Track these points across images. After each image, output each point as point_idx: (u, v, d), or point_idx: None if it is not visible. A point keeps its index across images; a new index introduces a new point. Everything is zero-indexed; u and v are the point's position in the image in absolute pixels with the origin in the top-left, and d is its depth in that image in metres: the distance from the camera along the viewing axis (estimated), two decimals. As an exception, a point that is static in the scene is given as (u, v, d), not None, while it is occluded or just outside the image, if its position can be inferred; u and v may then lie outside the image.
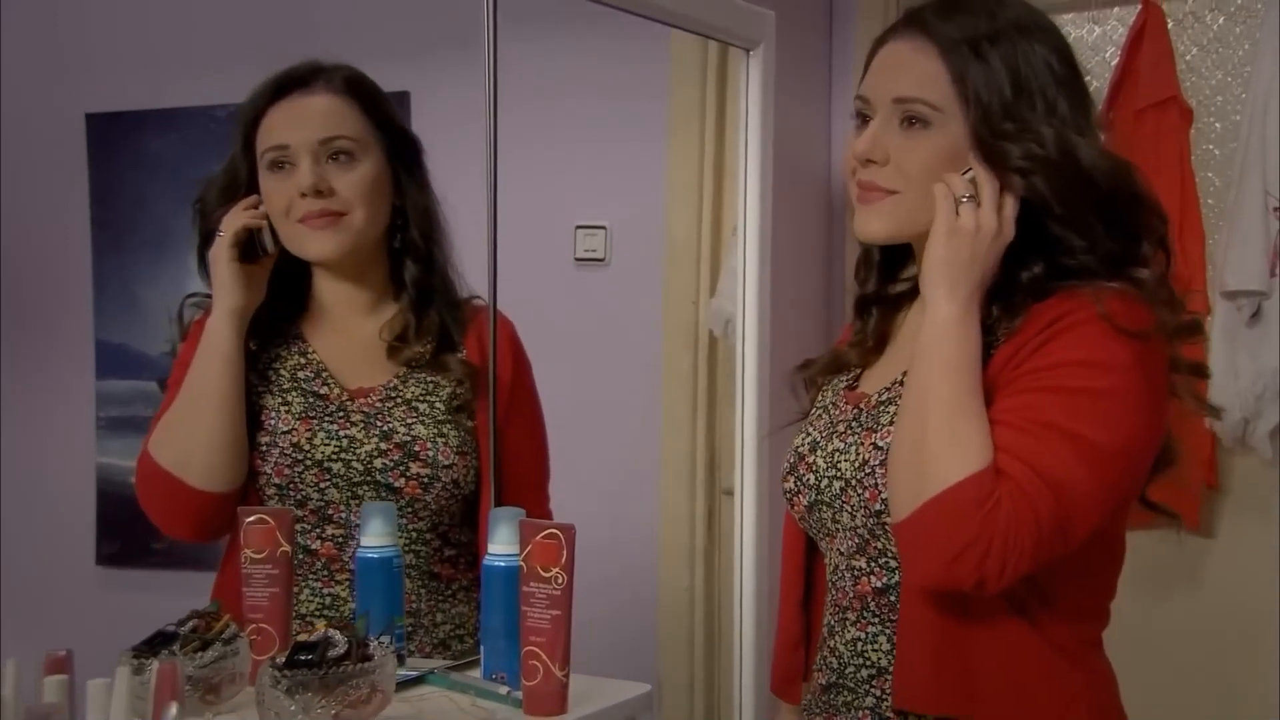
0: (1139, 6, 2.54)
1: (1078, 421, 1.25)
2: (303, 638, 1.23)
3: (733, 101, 2.73)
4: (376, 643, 1.24)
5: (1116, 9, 2.62)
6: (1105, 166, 1.32)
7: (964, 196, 1.31)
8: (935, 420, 1.26)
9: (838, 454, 1.41)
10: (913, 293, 1.51)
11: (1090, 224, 1.32)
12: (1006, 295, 1.34)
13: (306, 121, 1.66)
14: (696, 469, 2.75)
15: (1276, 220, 2.41)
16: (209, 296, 1.68)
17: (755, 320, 1.89)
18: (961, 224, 1.31)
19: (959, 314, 1.29)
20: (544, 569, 1.32)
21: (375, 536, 1.47)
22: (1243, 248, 2.39)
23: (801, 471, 1.45)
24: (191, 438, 1.61)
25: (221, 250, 1.62)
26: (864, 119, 1.39)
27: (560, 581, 1.32)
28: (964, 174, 1.33)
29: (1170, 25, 2.55)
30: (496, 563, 1.40)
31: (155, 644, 1.27)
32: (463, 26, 2.25)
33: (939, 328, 1.30)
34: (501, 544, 1.40)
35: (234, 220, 1.64)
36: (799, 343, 1.98)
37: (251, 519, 1.45)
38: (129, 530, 2.23)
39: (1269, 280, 2.41)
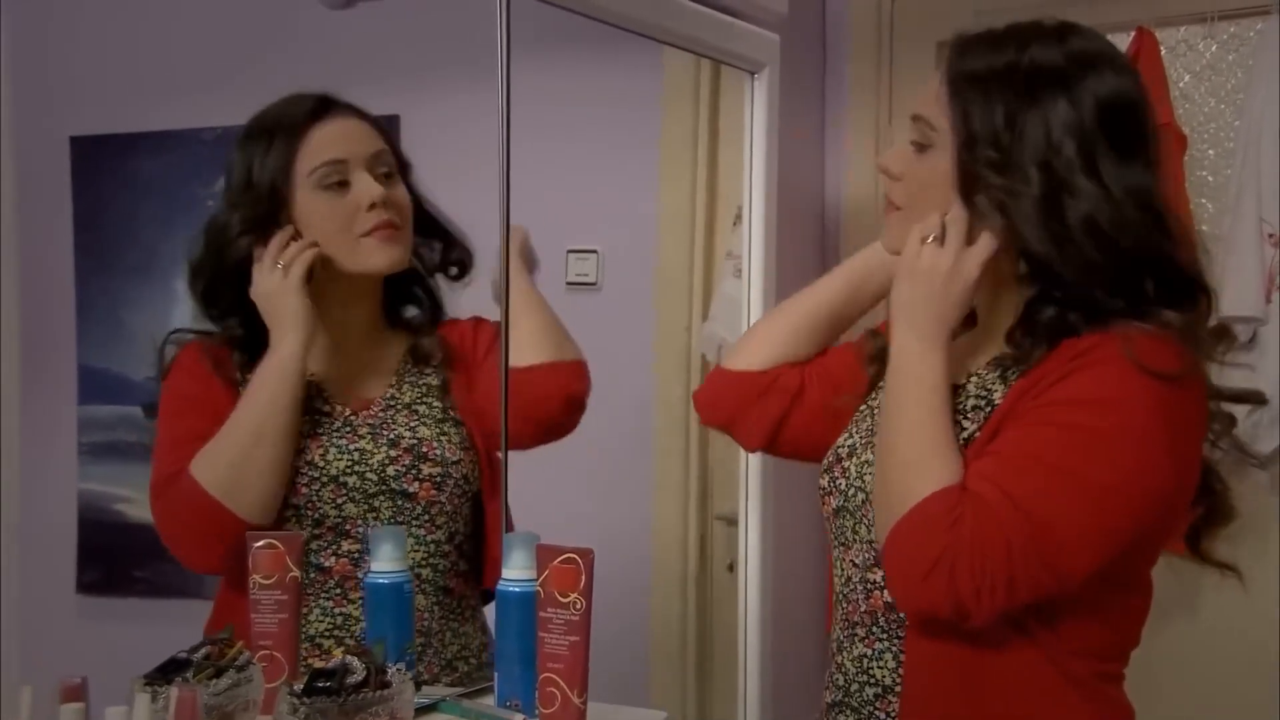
0: (1133, 34, 2.55)
1: (1072, 457, 1.25)
2: (320, 664, 1.20)
3: (726, 126, 2.74)
4: (394, 669, 1.22)
5: (1109, 36, 2.62)
6: (1110, 218, 1.28)
7: (929, 236, 1.33)
8: (899, 447, 1.30)
9: (867, 466, 1.41)
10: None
11: (1085, 270, 1.29)
12: (1033, 330, 1.34)
13: (355, 138, 1.68)
14: (689, 494, 2.74)
15: (1271, 247, 2.42)
16: (197, 332, 1.68)
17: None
18: (919, 264, 1.34)
19: (915, 347, 1.32)
20: (562, 594, 1.30)
21: (386, 561, 1.46)
22: (1238, 274, 2.40)
23: (835, 474, 1.47)
24: (252, 471, 1.57)
25: (292, 284, 1.61)
26: None
27: (579, 607, 1.30)
28: (944, 214, 1.34)
29: (1163, 52, 2.55)
30: (511, 588, 1.38)
31: (168, 671, 1.24)
32: (453, 50, 2.25)
33: (896, 361, 1.34)
34: (516, 569, 1.38)
35: (301, 255, 1.62)
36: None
37: (260, 543, 1.43)
38: (111, 558, 2.19)
39: (1264, 306, 2.42)
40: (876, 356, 1.53)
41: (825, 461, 1.50)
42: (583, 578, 1.30)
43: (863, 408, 1.52)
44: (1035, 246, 1.30)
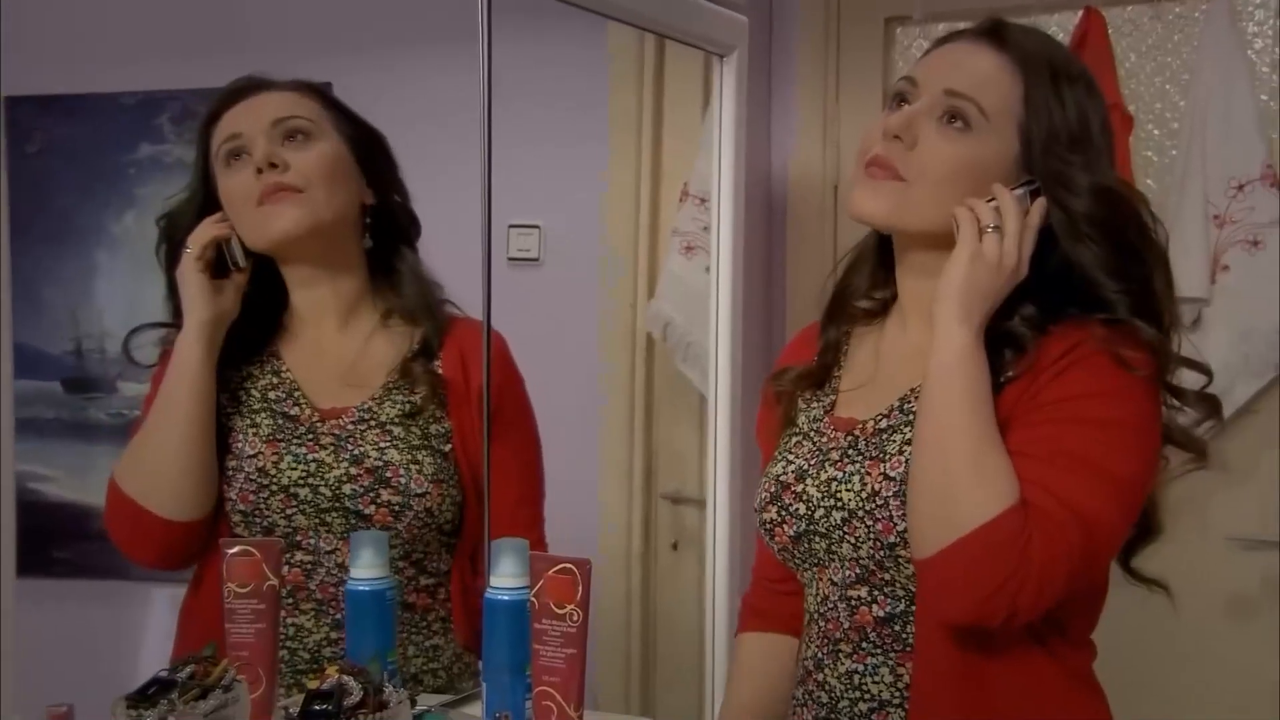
0: (1080, 13, 2.55)
1: (1100, 453, 1.24)
2: (315, 685, 1.16)
3: (671, 102, 2.71)
4: (391, 688, 1.18)
5: (1056, 15, 2.63)
6: (1149, 225, 1.33)
7: (990, 226, 1.29)
8: (958, 454, 1.23)
9: (835, 483, 1.36)
10: (880, 312, 1.49)
11: (1132, 270, 1.31)
12: (1008, 333, 1.32)
13: (259, 110, 1.62)
14: (634, 473, 2.72)
15: (1216, 228, 2.44)
16: (164, 325, 1.63)
17: (728, 329, 1.85)
18: (985, 252, 1.28)
19: (972, 343, 1.27)
20: (558, 605, 1.26)
21: (366, 567, 1.40)
22: (1184, 255, 2.40)
23: (787, 500, 1.40)
24: (157, 464, 1.54)
25: (188, 264, 1.56)
26: (900, 102, 1.36)
27: (575, 619, 1.26)
28: (989, 201, 1.30)
29: (1109, 32, 2.55)
30: (500, 596, 1.33)
31: (152, 692, 1.18)
32: (385, 18, 2.18)
33: (953, 356, 1.27)
34: (504, 576, 1.33)
35: (201, 234, 1.58)
36: (742, 352, 1.95)
37: (234, 550, 1.37)
38: (27, 538, 2.12)
39: (1209, 287, 2.43)
40: (786, 391, 1.50)
41: (767, 493, 1.43)
42: (580, 588, 1.25)
43: (789, 435, 1.47)
44: (1110, 241, 1.30)
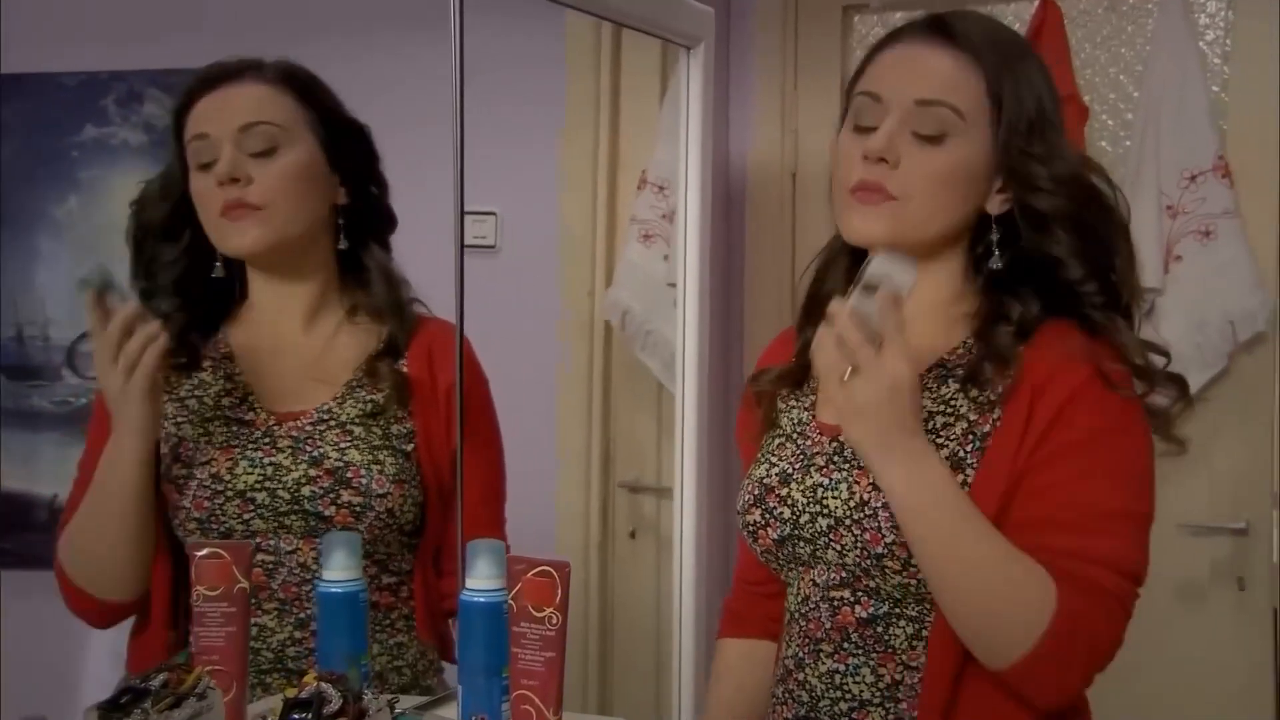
0: (1036, 4, 2.56)
1: (1124, 499, 1.28)
2: (292, 693, 1.15)
3: (628, 90, 2.70)
4: (370, 695, 1.17)
5: (1013, 5, 2.64)
6: (1109, 198, 1.34)
7: (845, 374, 1.22)
8: (982, 586, 1.25)
9: (821, 489, 1.35)
10: None
11: (1098, 254, 1.33)
12: (991, 347, 1.32)
13: (229, 109, 1.57)
14: (591, 462, 2.72)
15: (1169, 218, 2.46)
16: None
17: (695, 320, 1.83)
18: (855, 404, 1.22)
19: (908, 478, 1.23)
20: (536, 608, 1.26)
21: (338, 570, 1.38)
22: (1137, 245, 2.43)
23: (771, 504, 1.39)
24: (95, 556, 1.53)
25: (135, 391, 1.46)
26: (862, 128, 1.34)
27: (554, 621, 1.26)
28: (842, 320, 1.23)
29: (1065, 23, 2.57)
30: (476, 598, 1.32)
31: (125, 701, 1.16)
32: (338, 5, 2.15)
33: (899, 504, 1.24)
34: (481, 578, 1.32)
35: (145, 353, 1.46)
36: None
37: (204, 553, 1.35)
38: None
39: (1162, 277, 2.46)
40: (766, 392, 1.49)
41: (751, 496, 1.41)
42: (559, 591, 1.25)
43: (771, 436, 1.46)
44: (1076, 230, 1.31)
